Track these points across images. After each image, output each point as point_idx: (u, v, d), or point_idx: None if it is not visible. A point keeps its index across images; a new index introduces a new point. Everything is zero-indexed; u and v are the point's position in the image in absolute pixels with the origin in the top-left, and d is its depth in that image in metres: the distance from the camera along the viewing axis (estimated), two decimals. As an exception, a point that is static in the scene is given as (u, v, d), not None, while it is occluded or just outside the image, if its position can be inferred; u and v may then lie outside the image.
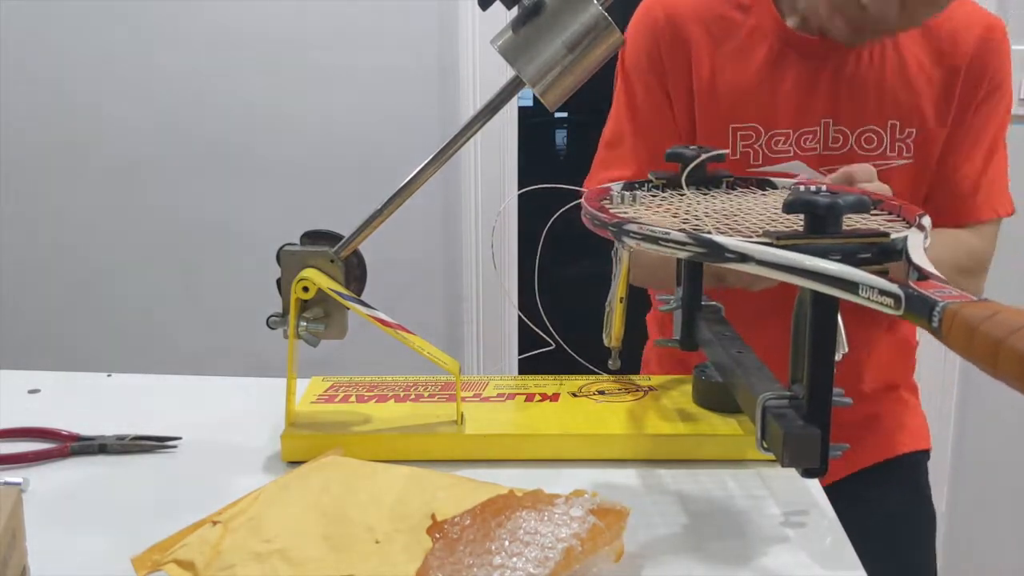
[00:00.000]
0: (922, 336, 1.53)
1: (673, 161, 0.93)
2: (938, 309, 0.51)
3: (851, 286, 0.59)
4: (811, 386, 0.67)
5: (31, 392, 1.04)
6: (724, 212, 0.82)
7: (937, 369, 2.03)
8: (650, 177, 0.93)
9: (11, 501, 0.64)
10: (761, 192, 0.91)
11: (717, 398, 0.90)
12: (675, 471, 0.84)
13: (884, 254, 0.64)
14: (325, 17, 2.11)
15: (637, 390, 0.95)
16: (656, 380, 0.98)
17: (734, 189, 0.92)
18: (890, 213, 0.81)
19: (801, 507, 0.78)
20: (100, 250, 2.26)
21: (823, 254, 0.62)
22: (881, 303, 0.57)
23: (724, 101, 1.14)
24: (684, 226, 0.74)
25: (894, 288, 0.56)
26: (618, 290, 0.94)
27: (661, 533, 0.73)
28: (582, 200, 0.82)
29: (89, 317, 2.28)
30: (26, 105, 2.19)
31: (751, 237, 0.68)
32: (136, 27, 2.14)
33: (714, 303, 0.97)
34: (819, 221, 0.66)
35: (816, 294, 0.65)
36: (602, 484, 0.81)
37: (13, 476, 0.83)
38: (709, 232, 0.69)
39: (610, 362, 0.97)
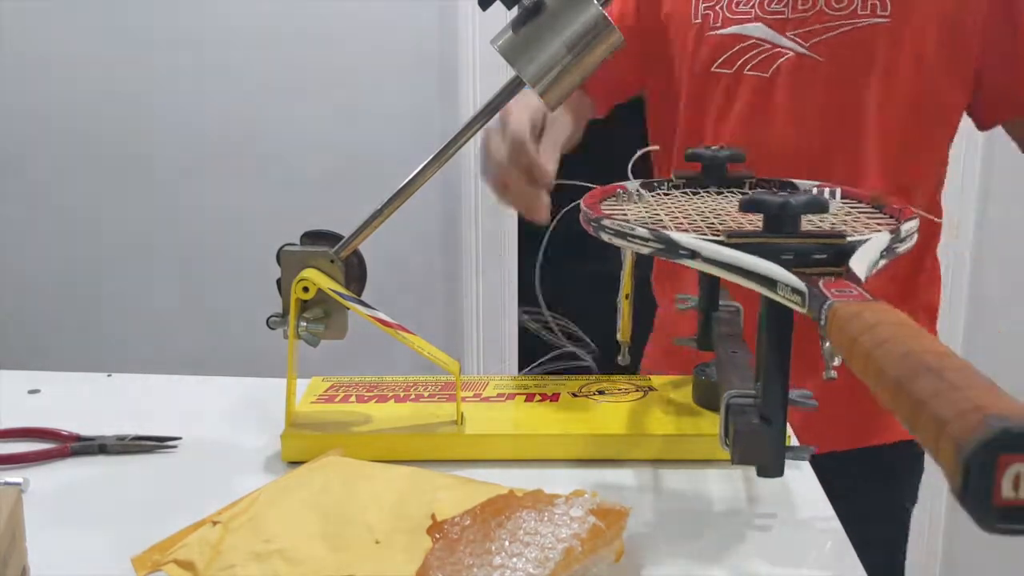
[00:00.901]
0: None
1: (692, 161, 0.93)
2: (825, 308, 0.52)
3: (770, 283, 0.59)
4: (765, 385, 0.68)
5: (31, 392, 1.04)
6: (716, 212, 0.82)
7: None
8: (672, 177, 0.94)
9: (11, 501, 0.64)
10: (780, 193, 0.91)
11: (717, 398, 0.90)
12: (675, 471, 0.84)
13: (841, 255, 0.63)
14: (325, 16, 2.11)
15: (637, 390, 0.95)
16: (656, 380, 0.98)
17: (753, 190, 0.92)
18: (891, 217, 0.81)
19: (801, 507, 0.78)
20: (100, 250, 2.26)
21: (776, 253, 0.62)
22: (792, 301, 0.57)
23: None
24: (653, 224, 0.74)
25: (801, 285, 0.56)
26: (623, 287, 0.94)
27: (661, 533, 0.73)
28: (581, 203, 0.82)
29: (89, 317, 2.28)
30: (25, 105, 2.19)
31: (707, 235, 0.68)
32: (136, 25, 2.14)
33: (734, 304, 0.97)
34: (773, 221, 0.66)
35: (768, 303, 0.65)
36: (602, 484, 0.81)
37: (13, 476, 0.83)
38: (668, 229, 0.70)
39: (619, 358, 0.97)
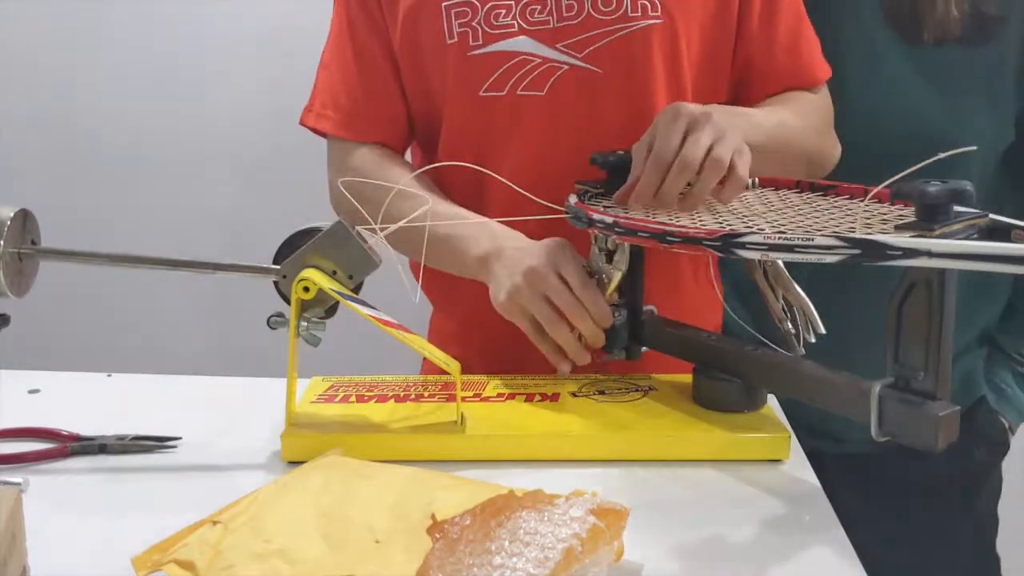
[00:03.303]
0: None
1: (602, 166, 0.94)
2: None
3: None
4: (940, 367, 0.69)
5: (31, 392, 1.04)
6: (717, 211, 0.82)
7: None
8: (585, 187, 0.94)
9: (11, 501, 0.64)
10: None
11: (717, 397, 0.90)
12: (675, 471, 0.84)
13: (987, 234, 0.67)
14: (325, 16, 2.11)
15: (637, 390, 0.95)
16: (656, 380, 0.98)
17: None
18: (851, 197, 0.82)
19: (802, 507, 0.78)
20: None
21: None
22: None
23: None
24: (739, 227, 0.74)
25: None
26: (607, 296, 0.94)
27: (661, 533, 0.73)
28: (631, 220, 0.82)
29: (89, 317, 2.28)
30: (25, 104, 2.19)
31: (832, 234, 0.69)
32: (135, 25, 2.14)
33: (650, 307, 0.98)
34: (929, 210, 0.68)
35: (947, 279, 0.67)
36: (602, 484, 0.81)
37: (13, 476, 0.82)
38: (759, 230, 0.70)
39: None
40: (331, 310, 0.87)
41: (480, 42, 0.99)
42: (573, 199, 0.93)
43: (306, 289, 0.84)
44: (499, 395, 0.94)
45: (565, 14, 0.98)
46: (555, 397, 0.94)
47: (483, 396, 0.94)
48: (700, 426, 0.87)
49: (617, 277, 0.92)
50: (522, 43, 0.98)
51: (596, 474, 0.83)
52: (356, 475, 0.73)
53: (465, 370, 0.88)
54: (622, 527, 0.66)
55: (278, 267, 0.85)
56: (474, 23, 0.99)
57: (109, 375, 1.09)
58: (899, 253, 0.64)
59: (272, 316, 0.87)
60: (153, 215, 2.23)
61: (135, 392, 1.06)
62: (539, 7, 0.98)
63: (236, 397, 1.02)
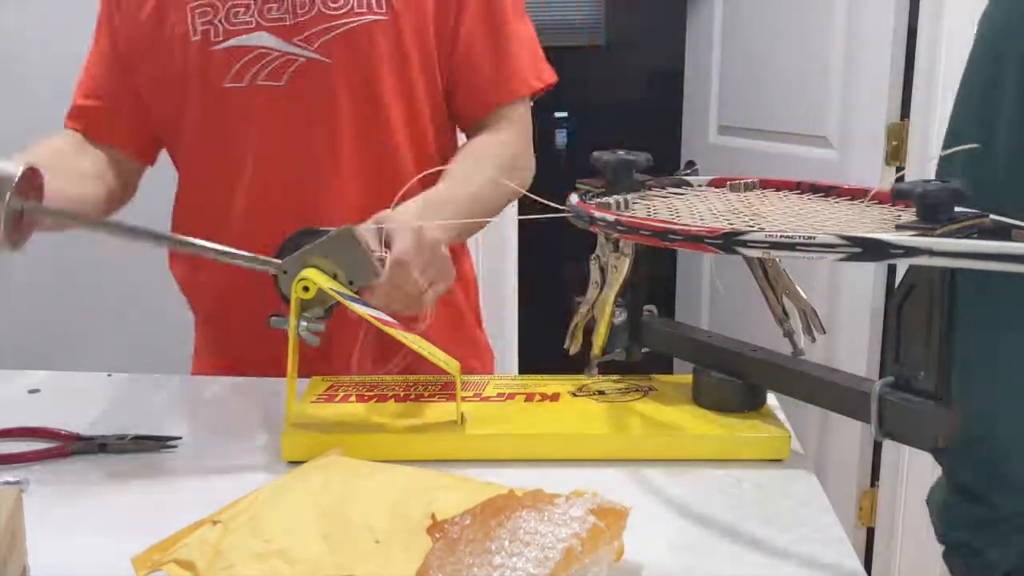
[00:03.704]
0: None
1: (603, 165, 0.94)
2: None
3: None
4: (940, 367, 0.69)
5: (31, 392, 1.04)
6: (721, 210, 0.82)
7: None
8: (587, 187, 0.94)
9: (11, 501, 0.64)
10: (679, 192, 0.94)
11: (717, 398, 0.90)
12: (675, 471, 0.84)
13: (988, 234, 0.67)
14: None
15: (637, 390, 0.95)
16: (656, 380, 0.98)
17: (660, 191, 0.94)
18: (852, 197, 0.83)
19: (801, 506, 0.78)
20: (100, 250, 2.25)
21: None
22: None
23: None
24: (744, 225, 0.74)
25: None
26: (611, 297, 0.93)
27: (661, 533, 0.73)
28: (632, 219, 0.81)
29: (89, 317, 2.28)
30: (25, 104, 2.19)
31: (833, 233, 0.69)
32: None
33: (650, 306, 0.98)
34: (930, 210, 0.68)
35: (951, 280, 0.68)
36: (602, 484, 0.81)
37: (13, 476, 0.83)
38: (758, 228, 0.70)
39: (587, 370, 0.94)
40: (330, 310, 0.87)
41: (221, 38, 1.07)
42: (575, 198, 0.93)
43: (306, 289, 0.84)
44: (499, 395, 0.94)
45: (299, 11, 1.06)
46: (555, 397, 0.94)
47: (483, 396, 0.94)
48: (700, 426, 0.87)
49: (626, 265, 0.92)
50: (260, 38, 1.07)
51: (596, 474, 0.83)
52: (356, 475, 0.73)
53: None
54: (622, 527, 0.66)
55: (279, 261, 0.85)
56: (215, 21, 1.07)
57: (109, 375, 1.09)
58: (900, 252, 0.64)
59: (272, 316, 0.87)
60: (153, 214, 2.23)
61: (135, 392, 1.06)
62: (276, 5, 1.07)
63: (236, 397, 1.02)
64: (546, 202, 0.95)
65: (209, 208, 1.12)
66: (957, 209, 0.70)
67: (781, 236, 0.69)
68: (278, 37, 1.06)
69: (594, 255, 0.93)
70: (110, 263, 2.25)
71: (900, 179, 0.70)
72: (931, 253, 0.64)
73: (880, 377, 0.74)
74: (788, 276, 0.89)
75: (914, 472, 2.12)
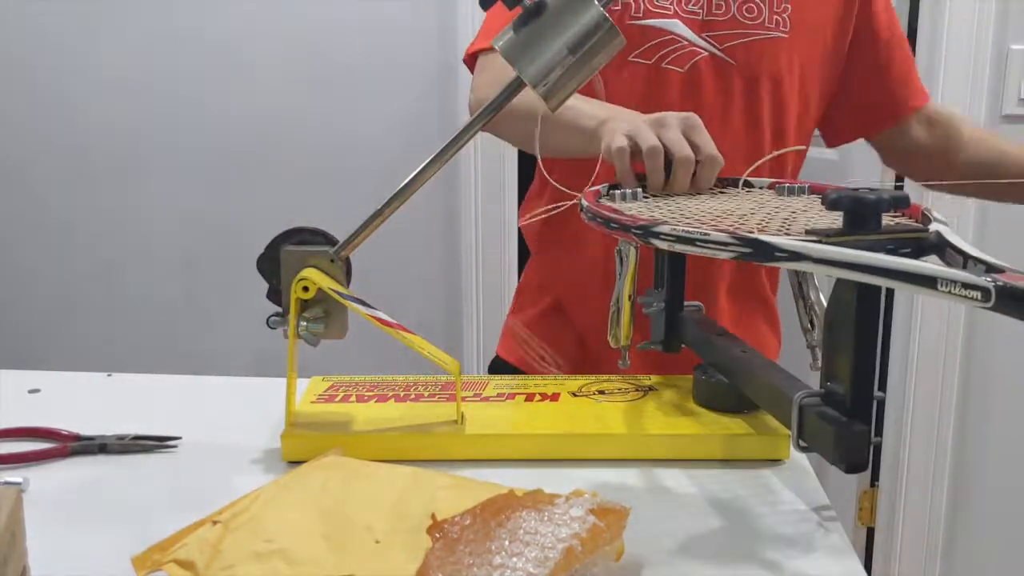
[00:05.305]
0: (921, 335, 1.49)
1: None
2: None
3: (928, 281, 0.58)
4: (855, 383, 0.68)
5: (31, 392, 1.04)
6: (729, 211, 0.82)
7: (936, 368, 2.04)
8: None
9: (11, 501, 0.64)
10: (745, 191, 0.94)
11: (717, 398, 0.90)
12: (675, 471, 0.84)
13: (922, 249, 0.66)
14: (325, 17, 2.11)
15: (637, 390, 0.95)
16: (656, 380, 0.98)
17: (725, 190, 0.94)
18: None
19: (801, 506, 0.78)
20: (100, 250, 2.26)
21: (870, 251, 0.62)
22: (965, 296, 0.56)
23: None
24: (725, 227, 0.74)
25: (981, 281, 0.55)
26: (625, 288, 0.93)
27: (661, 533, 0.73)
28: (589, 205, 0.82)
29: (89, 317, 2.28)
30: (25, 104, 2.19)
31: (789, 235, 0.68)
32: (137, 27, 2.14)
33: (696, 303, 0.98)
34: (858, 219, 0.67)
35: (864, 292, 0.66)
36: (602, 484, 0.81)
37: (13, 476, 0.83)
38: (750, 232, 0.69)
39: (620, 362, 0.96)
40: (341, 312, 0.87)
41: (640, 14, 1.14)
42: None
43: (305, 289, 0.84)
44: (499, 395, 0.94)
45: (715, 10, 1.15)
46: (555, 397, 0.94)
47: (483, 396, 0.94)
48: (700, 426, 0.87)
49: (632, 255, 0.91)
50: (674, 25, 1.14)
51: (596, 474, 0.83)
52: (356, 475, 0.73)
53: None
54: (622, 527, 0.66)
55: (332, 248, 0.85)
56: None
57: (109, 375, 1.09)
58: (784, 255, 0.64)
59: (271, 316, 0.87)
60: (153, 215, 2.23)
61: (135, 392, 1.06)
62: (695, 1, 1.15)
63: (236, 397, 1.02)
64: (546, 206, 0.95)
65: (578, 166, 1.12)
66: (901, 222, 0.70)
67: (683, 231, 0.70)
68: (690, 28, 1.14)
69: (617, 248, 0.94)
70: (111, 263, 2.25)
71: (838, 190, 0.69)
72: (812, 260, 0.63)
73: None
74: (816, 289, 0.89)
75: (914, 472, 2.12)
